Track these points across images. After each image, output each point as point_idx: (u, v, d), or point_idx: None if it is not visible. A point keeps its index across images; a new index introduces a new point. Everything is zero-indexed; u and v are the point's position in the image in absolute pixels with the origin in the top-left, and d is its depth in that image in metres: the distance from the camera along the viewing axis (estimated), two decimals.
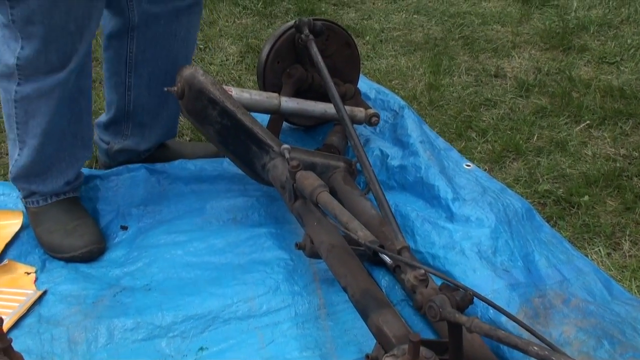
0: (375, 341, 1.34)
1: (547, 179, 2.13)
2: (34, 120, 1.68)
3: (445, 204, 1.83)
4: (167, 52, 1.90)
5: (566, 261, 1.68)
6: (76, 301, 1.63)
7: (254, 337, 1.54)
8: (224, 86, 1.79)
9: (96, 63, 2.45)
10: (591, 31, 3.15)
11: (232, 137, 1.75)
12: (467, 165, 2.03)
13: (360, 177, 1.92)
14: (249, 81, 2.73)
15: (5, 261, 1.74)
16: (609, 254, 1.82)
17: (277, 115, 2.00)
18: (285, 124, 2.17)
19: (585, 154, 2.26)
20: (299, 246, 1.61)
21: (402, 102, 2.27)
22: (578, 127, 2.41)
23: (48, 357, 1.51)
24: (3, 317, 1.15)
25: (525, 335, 1.25)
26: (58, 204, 1.82)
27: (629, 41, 3.04)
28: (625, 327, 1.49)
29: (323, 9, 3.46)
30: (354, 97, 2.14)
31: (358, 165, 1.85)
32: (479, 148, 2.30)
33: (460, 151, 2.19)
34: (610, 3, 3.43)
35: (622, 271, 1.76)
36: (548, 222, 1.89)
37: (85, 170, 1.95)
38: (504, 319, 1.46)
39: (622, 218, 1.95)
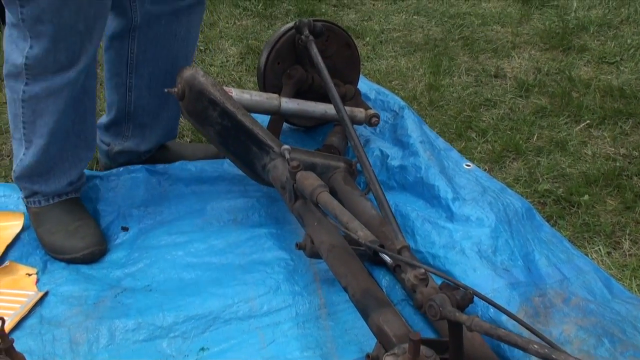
0: (375, 340, 1.34)
1: (547, 178, 2.13)
2: (41, 120, 1.69)
3: (446, 203, 1.83)
4: (167, 52, 1.91)
5: (566, 260, 1.68)
6: (77, 302, 1.64)
7: (254, 337, 1.54)
8: (225, 87, 1.79)
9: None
10: (591, 31, 3.16)
11: (233, 138, 1.75)
12: (467, 165, 2.03)
13: (361, 177, 1.92)
14: (249, 82, 2.73)
15: (7, 262, 1.74)
16: (609, 253, 1.83)
17: (278, 116, 2.01)
18: (285, 125, 2.17)
19: (585, 153, 2.26)
20: (299, 246, 1.61)
21: (402, 103, 2.28)
22: (578, 127, 2.41)
23: (50, 357, 1.51)
24: (5, 318, 1.16)
25: (526, 334, 1.25)
26: (60, 205, 1.82)
27: (628, 41, 3.04)
28: (625, 325, 1.49)
29: (323, 10, 3.47)
30: (354, 98, 2.14)
31: (358, 165, 1.85)
32: (479, 148, 2.30)
33: (460, 151, 2.19)
34: (610, 3, 3.44)
35: (622, 270, 1.76)
36: (548, 221, 1.90)
37: (85, 171, 1.95)
38: (504, 318, 1.46)
39: (622, 217, 1.95)
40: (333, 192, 1.71)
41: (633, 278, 1.73)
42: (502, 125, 2.43)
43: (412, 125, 2.13)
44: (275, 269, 1.71)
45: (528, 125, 2.41)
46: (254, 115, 1.83)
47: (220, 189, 2.00)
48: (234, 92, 1.86)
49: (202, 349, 1.53)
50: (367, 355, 1.36)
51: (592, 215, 1.96)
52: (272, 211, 1.92)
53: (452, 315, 1.15)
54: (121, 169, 2.02)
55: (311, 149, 1.90)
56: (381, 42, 3.15)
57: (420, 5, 3.53)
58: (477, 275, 1.60)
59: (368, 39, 3.16)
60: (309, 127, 2.28)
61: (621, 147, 2.29)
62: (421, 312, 1.23)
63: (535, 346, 1.04)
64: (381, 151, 2.07)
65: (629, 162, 2.21)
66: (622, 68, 2.83)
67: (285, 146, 1.72)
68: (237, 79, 2.77)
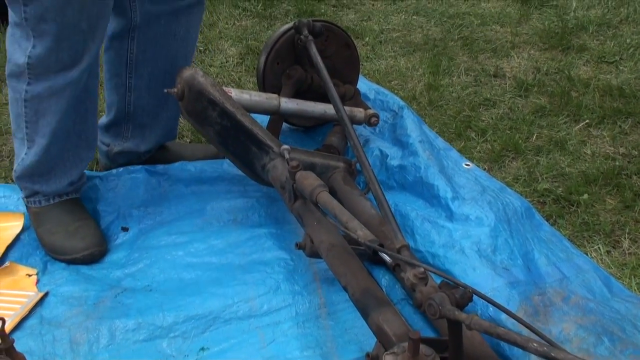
0: (375, 340, 1.35)
1: (546, 177, 2.14)
2: (44, 120, 1.69)
3: (445, 203, 1.83)
4: (166, 52, 1.91)
5: (566, 259, 1.68)
6: (78, 302, 1.64)
7: (254, 337, 1.54)
8: (224, 87, 1.80)
9: None
10: (590, 31, 3.16)
11: (232, 138, 1.75)
12: (467, 164, 2.03)
13: (360, 177, 1.93)
14: (248, 83, 2.74)
15: (7, 263, 1.75)
16: (608, 252, 1.83)
17: (277, 116, 2.01)
18: (285, 125, 2.17)
19: (585, 152, 2.26)
20: (299, 246, 1.61)
21: (402, 103, 2.28)
22: (577, 126, 2.41)
23: (50, 358, 1.51)
24: (5, 318, 1.16)
25: (525, 332, 1.25)
26: (60, 205, 1.83)
27: (628, 41, 3.05)
28: (625, 324, 1.49)
29: (322, 11, 3.47)
30: (354, 98, 2.15)
31: (357, 165, 1.86)
32: (478, 147, 2.30)
33: (459, 151, 2.19)
34: (609, 3, 3.44)
35: (622, 269, 1.76)
36: (547, 220, 1.90)
37: (85, 172, 1.95)
38: (503, 316, 1.46)
39: (622, 216, 1.96)
40: (332, 192, 1.71)
41: (632, 277, 1.73)
42: (502, 125, 2.43)
43: (412, 125, 2.13)
44: (275, 268, 1.71)
45: (527, 125, 2.42)
46: (253, 115, 1.84)
47: (220, 189, 2.00)
48: (234, 92, 1.87)
49: (202, 348, 1.53)
50: (367, 355, 1.36)
51: (591, 214, 1.96)
52: (272, 211, 1.92)
53: (451, 313, 1.15)
54: (121, 169, 2.02)
55: (310, 149, 1.91)
56: (380, 42, 3.15)
57: (419, 6, 3.54)
58: (476, 274, 1.60)
59: (367, 39, 3.16)
60: (309, 127, 2.28)
61: (620, 147, 2.29)
62: (421, 311, 1.24)
63: (535, 344, 1.04)
64: (380, 151, 2.08)
65: (628, 161, 2.22)
66: (621, 67, 2.83)
67: (285, 146, 1.72)
68: (237, 79, 2.78)
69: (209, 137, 1.78)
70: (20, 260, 1.78)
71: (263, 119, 2.03)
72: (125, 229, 1.87)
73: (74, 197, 1.86)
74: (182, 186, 2.00)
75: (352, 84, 2.18)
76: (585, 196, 2.02)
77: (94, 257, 1.78)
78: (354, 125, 1.94)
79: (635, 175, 2.13)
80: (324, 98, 1.97)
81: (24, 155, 1.76)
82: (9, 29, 1.64)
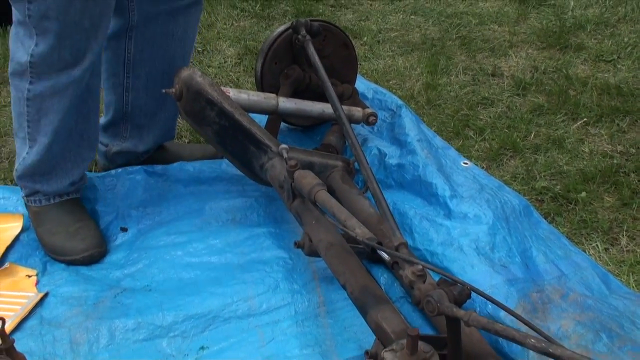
0: (374, 337, 1.35)
1: (544, 176, 2.14)
2: (46, 119, 1.70)
3: (443, 201, 1.83)
4: (164, 52, 1.92)
5: (564, 256, 1.69)
6: (77, 303, 1.64)
7: (254, 336, 1.55)
8: (222, 87, 1.80)
9: None
10: (588, 30, 3.16)
11: (230, 137, 1.76)
12: (465, 163, 2.04)
13: (359, 176, 1.93)
14: (247, 83, 2.74)
15: (6, 264, 1.75)
16: (606, 249, 1.83)
17: (275, 116, 2.01)
18: (283, 125, 2.18)
19: (583, 151, 2.27)
20: (297, 245, 1.62)
21: (400, 102, 2.29)
22: (575, 125, 2.42)
23: (50, 358, 1.51)
24: (5, 319, 1.16)
25: (524, 329, 1.26)
26: (60, 205, 1.83)
27: (625, 39, 3.05)
28: (623, 320, 1.49)
29: (320, 11, 3.48)
30: (352, 97, 2.15)
31: (356, 164, 1.86)
32: (476, 146, 2.31)
33: (457, 149, 2.19)
34: (607, 2, 3.45)
35: (620, 266, 1.77)
36: (546, 218, 1.90)
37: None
38: (502, 314, 1.47)
39: (620, 214, 1.96)
40: (331, 191, 1.71)
41: (630, 274, 1.73)
42: (500, 124, 2.44)
43: (410, 124, 2.13)
44: (274, 267, 1.72)
45: (525, 124, 2.42)
46: (251, 115, 1.84)
47: (219, 189, 2.00)
48: (232, 92, 1.87)
49: (202, 347, 1.53)
50: (366, 352, 1.36)
51: (589, 212, 1.96)
52: (271, 210, 1.93)
53: (449, 310, 1.15)
54: (120, 170, 2.03)
55: (309, 149, 1.91)
56: (378, 41, 3.15)
57: (417, 5, 3.54)
58: (475, 271, 1.61)
59: (365, 38, 3.17)
60: (307, 126, 2.29)
61: (618, 145, 2.30)
62: (419, 308, 1.24)
63: (533, 341, 1.04)
64: (379, 150, 2.08)
65: (626, 159, 2.22)
66: (619, 66, 2.84)
67: (283, 145, 1.72)
68: (235, 79, 2.78)
69: (207, 137, 1.78)
70: (19, 261, 1.78)
71: (261, 119, 2.03)
72: (124, 229, 1.88)
73: (75, 197, 1.87)
74: (180, 186, 2.00)
75: (350, 84, 2.18)
76: (583, 194, 2.03)
77: (94, 258, 1.78)
78: (352, 125, 1.94)
79: (633, 173, 2.14)
80: (322, 97, 1.98)
81: (25, 155, 1.76)
82: (13, 29, 1.65)
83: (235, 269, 1.73)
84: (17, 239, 1.83)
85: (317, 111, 2.03)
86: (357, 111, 2.06)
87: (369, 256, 1.68)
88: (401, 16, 3.43)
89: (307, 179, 1.52)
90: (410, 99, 2.59)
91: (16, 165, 1.80)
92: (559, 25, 3.21)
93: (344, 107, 1.94)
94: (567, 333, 1.45)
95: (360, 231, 1.33)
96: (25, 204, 1.86)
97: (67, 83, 1.66)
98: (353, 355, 1.49)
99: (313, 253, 1.59)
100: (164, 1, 1.85)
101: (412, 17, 3.42)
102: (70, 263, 1.77)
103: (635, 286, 1.70)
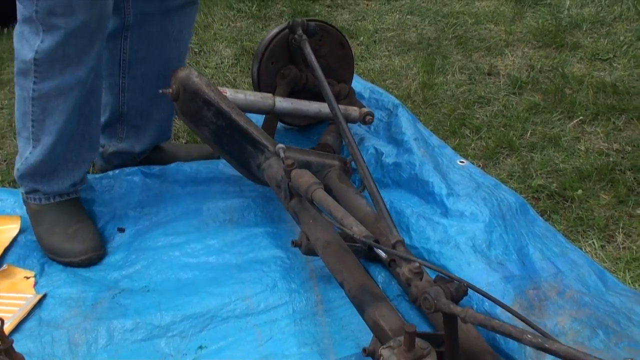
0: (372, 335, 1.35)
1: (540, 174, 2.15)
2: (51, 118, 1.70)
3: (440, 199, 1.84)
4: (159, 53, 1.92)
5: (560, 254, 1.69)
6: (76, 304, 1.65)
7: (252, 335, 1.55)
8: (219, 87, 1.80)
9: None
10: (584, 29, 3.17)
11: (227, 137, 1.76)
12: (461, 162, 2.05)
13: (356, 175, 1.94)
14: (244, 83, 2.75)
15: (5, 266, 1.75)
16: (602, 247, 1.84)
17: (272, 116, 2.02)
18: (280, 125, 2.18)
19: (579, 149, 2.28)
20: (295, 244, 1.62)
21: (396, 101, 2.29)
22: (571, 123, 2.42)
23: (49, 359, 1.52)
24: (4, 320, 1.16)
25: (520, 325, 1.26)
26: (60, 205, 1.83)
27: (621, 38, 3.06)
28: (619, 317, 1.50)
29: (317, 11, 3.48)
30: (348, 97, 2.16)
31: (353, 163, 1.87)
32: (472, 145, 2.31)
33: (454, 148, 2.20)
34: (603, 1, 3.45)
35: (616, 263, 1.77)
36: (542, 216, 1.91)
37: None
38: (499, 310, 1.47)
39: (616, 211, 1.97)
40: (328, 190, 1.72)
41: (627, 270, 1.74)
42: (496, 122, 2.44)
43: (406, 123, 2.14)
44: (271, 267, 1.72)
45: (521, 122, 2.43)
46: (248, 115, 1.84)
47: (216, 189, 2.01)
48: (228, 92, 1.87)
49: (200, 347, 1.53)
50: (364, 350, 1.37)
51: (585, 210, 1.97)
52: (268, 210, 1.93)
53: (446, 307, 1.16)
54: (117, 171, 2.03)
55: (306, 148, 1.91)
56: (375, 41, 3.16)
57: (413, 5, 3.55)
58: (471, 269, 1.61)
59: (362, 38, 3.17)
60: (304, 126, 2.29)
61: (614, 143, 2.31)
62: (416, 305, 1.24)
63: (529, 336, 1.05)
64: (376, 149, 2.09)
65: (622, 157, 2.23)
66: (615, 65, 2.84)
67: (280, 145, 1.73)
68: (232, 80, 2.79)
69: (204, 137, 1.78)
70: (17, 262, 1.78)
71: (258, 119, 2.03)
72: (121, 230, 1.88)
73: (74, 197, 1.87)
74: (178, 187, 2.01)
75: (346, 83, 2.19)
76: (580, 192, 2.03)
77: (92, 261, 1.79)
78: (349, 124, 1.95)
79: (629, 170, 2.14)
80: (319, 97, 1.98)
81: (28, 155, 1.76)
82: (18, 28, 1.66)
83: (233, 269, 1.73)
84: (14, 240, 1.83)
85: (314, 111, 2.03)
86: (354, 110, 2.06)
87: (366, 255, 1.69)
88: (397, 16, 3.44)
89: (304, 178, 1.52)
90: (406, 99, 2.59)
91: (18, 165, 1.80)
92: (554, 24, 3.22)
93: (341, 106, 1.95)
94: (563, 330, 1.46)
95: (358, 229, 1.33)
96: (25, 201, 1.86)
97: (72, 83, 1.67)
98: (351, 353, 1.49)
99: (310, 252, 1.59)
100: (159, 1, 1.85)
101: (408, 16, 3.43)
102: (67, 265, 1.77)
103: (632, 283, 1.71)
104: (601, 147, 2.28)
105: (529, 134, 2.37)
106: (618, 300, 1.57)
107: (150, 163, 2.08)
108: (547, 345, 1.03)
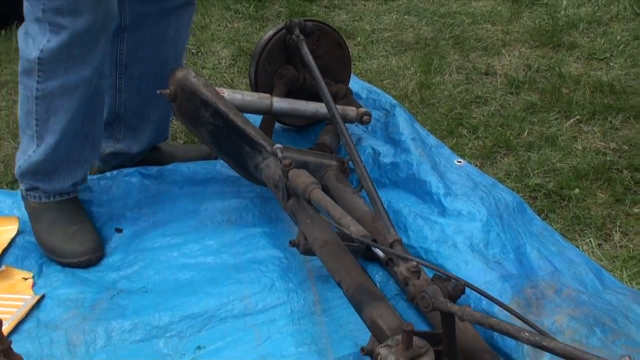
0: (370, 334, 1.36)
1: (537, 173, 2.15)
2: (54, 117, 1.70)
3: (437, 199, 1.84)
4: (156, 53, 1.92)
5: (557, 252, 1.70)
6: (74, 305, 1.64)
7: (250, 335, 1.55)
8: (216, 88, 1.81)
9: None
10: (580, 28, 3.18)
11: (225, 137, 1.76)
12: (459, 161, 2.05)
13: (353, 175, 1.94)
14: (241, 84, 2.75)
15: (2, 267, 1.75)
16: (599, 245, 1.84)
17: (269, 116, 2.02)
18: (277, 125, 2.18)
19: (576, 148, 2.28)
20: (292, 244, 1.62)
21: (394, 101, 2.30)
22: (568, 122, 2.43)
23: None
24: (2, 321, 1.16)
25: (517, 324, 1.26)
26: (60, 204, 1.83)
27: (618, 37, 3.07)
28: (616, 315, 1.51)
29: (314, 11, 3.49)
30: (346, 97, 2.16)
31: (350, 163, 1.87)
32: (470, 144, 2.32)
33: (451, 148, 2.21)
34: (600, 1, 3.46)
35: (613, 261, 1.78)
36: (539, 215, 1.91)
37: None
38: (496, 309, 1.48)
39: (613, 210, 1.97)
40: (326, 190, 1.72)
41: (624, 269, 1.74)
42: (493, 122, 2.45)
43: (404, 123, 2.14)
44: (269, 267, 1.72)
45: (518, 122, 2.43)
46: (246, 115, 1.85)
47: (214, 190, 2.01)
48: (226, 93, 1.88)
49: (199, 347, 1.53)
50: (362, 349, 1.37)
51: (582, 209, 1.98)
52: (266, 210, 1.93)
53: (444, 306, 1.16)
54: (115, 171, 2.03)
55: (303, 148, 1.92)
56: (372, 41, 3.16)
57: (410, 5, 3.55)
58: (469, 268, 1.62)
59: (359, 38, 3.18)
60: (301, 126, 2.30)
61: (611, 142, 2.31)
62: (414, 304, 1.25)
63: (527, 334, 1.05)
64: (373, 149, 2.09)
65: (619, 156, 2.23)
66: (611, 64, 2.85)
67: (278, 145, 1.73)
68: (229, 80, 2.79)
69: (201, 137, 1.78)
70: (15, 263, 1.78)
71: (256, 119, 2.04)
72: (119, 230, 1.88)
73: (74, 197, 1.87)
74: (175, 188, 2.01)
75: (344, 83, 2.19)
76: (577, 191, 2.04)
77: (91, 262, 1.79)
78: (347, 124, 1.95)
79: (626, 169, 2.15)
80: (316, 97, 1.99)
81: (31, 153, 1.76)
82: (22, 28, 1.66)
83: (231, 269, 1.74)
84: (12, 241, 1.83)
85: (311, 111, 2.04)
86: (351, 110, 2.07)
87: (364, 254, 1.69)
88: (395, 16, 3.44)
89: (302, 178, 1.52)
90: (404, 98, 2.60)
91: (20, 162, 1.80)
92: (551, 24, 3.23)
93: (338, 106, 1.95)
94: (561, 328, 1.46)
95: (355, 229, 1.34)
96: (24, 197, 1.85)
97: (77, 83, 1.67)
98: (349, 353, 1.49)
99: (308, 252, 1.59)
100: (155, 1, 1.85)
101: (405, 17, 3.43)
102: (66, 265, 1.77)
103: (629, 281, 1.71)
104: (598, 146, 2.29)
105: (526, 133, 2.38)
106: (615, 298, 1.57)
107: (147, 164, 2.08)
108: (544, 344, 1.03)
